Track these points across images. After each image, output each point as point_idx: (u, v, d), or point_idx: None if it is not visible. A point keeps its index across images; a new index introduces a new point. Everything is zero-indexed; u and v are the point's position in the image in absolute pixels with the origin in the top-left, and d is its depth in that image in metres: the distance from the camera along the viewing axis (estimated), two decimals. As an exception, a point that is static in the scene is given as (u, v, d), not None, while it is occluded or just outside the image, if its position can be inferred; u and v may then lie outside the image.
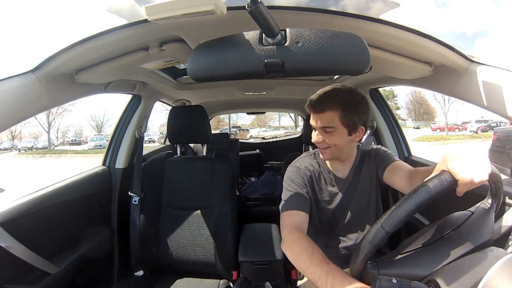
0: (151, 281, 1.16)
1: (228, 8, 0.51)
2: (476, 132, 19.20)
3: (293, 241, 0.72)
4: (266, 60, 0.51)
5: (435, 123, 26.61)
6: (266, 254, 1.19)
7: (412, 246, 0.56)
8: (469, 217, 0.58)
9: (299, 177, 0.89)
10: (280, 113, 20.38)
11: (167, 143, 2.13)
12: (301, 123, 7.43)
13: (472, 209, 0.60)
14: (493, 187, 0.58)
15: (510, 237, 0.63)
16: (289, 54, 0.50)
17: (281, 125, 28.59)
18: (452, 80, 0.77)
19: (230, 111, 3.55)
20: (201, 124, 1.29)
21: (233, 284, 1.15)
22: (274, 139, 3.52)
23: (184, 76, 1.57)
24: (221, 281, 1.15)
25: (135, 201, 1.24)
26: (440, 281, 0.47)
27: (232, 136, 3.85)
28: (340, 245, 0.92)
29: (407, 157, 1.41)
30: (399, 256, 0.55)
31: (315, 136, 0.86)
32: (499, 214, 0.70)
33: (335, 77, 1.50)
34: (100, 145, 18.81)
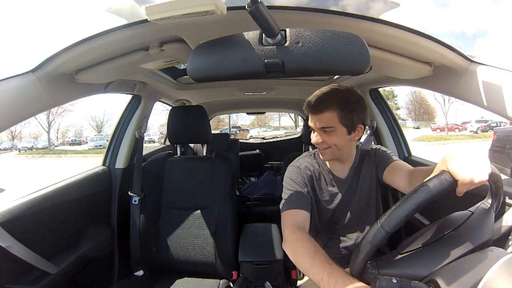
0: (151, 281, 1.16)
1: (228, 8, 0.51)
2: (476, 132, 19.20)
3: (295, 241, 0.71)
4: (266, 60, 0.51)
5: (435, 123, 26.63)
6: (266, 254, 1.19)
7: (412, 246, 0.56)
8: (469, 217, 0.58)
9: (299, 177, 0.89)
10: (280, 113, 20.38)
11: (167, 143, 2.13)
12: (301, 123, 7.43)
13: (472, 209, 0.60)
14: (493, 187, 0.58)
15: (510, 237, 0.63)
16: (289, 54, 0.50)
17: (281, 125, 28.60)
18: (452, 80, 0.77)
19: (230, 111, 3.55)
20: (201, 124, 1.29)
21: (233, 284, 1.15)
22: (274, 139, 3.52)
23: (184, 76, 1.57)
24: (221, 281, 1.15)
25: (135, 201, 1.24)
26: (440, 281, 0.47)
27: (232, 136, 3.86)
28: (340, 245, 0.92)
29: (407, 157, 1.41)
30: (399, 256, 0.55)
31: (314, 137, 0.86)
32: (499, 214, 0.70)
33: (335, 77, 1.50)
34: (100, 145, 18.81)
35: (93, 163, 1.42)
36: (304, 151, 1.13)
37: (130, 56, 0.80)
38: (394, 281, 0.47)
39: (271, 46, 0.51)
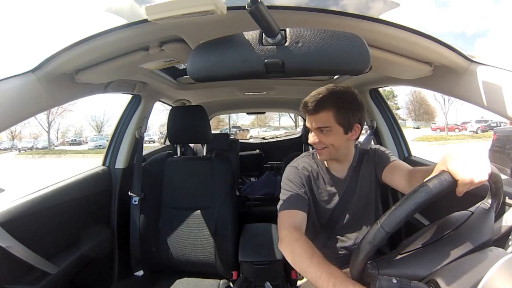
0: (151, 281, 1.16)
1: (228, 8, 0.51)
2: (476, 132, 19.21)
3: (292, 241, 0.71)
4: (266, 60, 0.51)
5: (435, 123, 26.62)
6: (266, 254, 1.19)
7: (412, 246, 0.56)
8: (469, 217, 0.58)
9: (297, 177, 0.89)
10: (280, 113, 20.39)
11: (167, 143, 2.13)
12: (301, 123, 7.43)
13: (472, 209, 0.60)
14: (493, 187, 0.58)
15: (510, 237, 0.63)
16: (289, 54, 0.50)
17: (281, 125, 28.61)
18: (452, 80, 0.77)
19: (230, 111, 3.56)
20: (201, 124, 1.29)
21: (233, 284, 1.15)
22: (274, 139, 3.52)
23: (184, 76, 1.57)
24: (221, 281, 1.15)
25: (135, 201, 1.24)
26: (440, 281, 0.47)
27: (232, 136, 3.86)
28: (340, 245, 0.92)
29: (407, 157, 1.41)
30: (399, 256, 0.55)
31: (311, 138, 0.86)
32: (499, 214, 0.70)
33: (335, 77, 1.50)
34: (100, 145, 18.81)
35: (93, 163, 1.42)
36: (304, 151, 1.13)
37: (130, 56, 0.80)
38: (394, 281, 0.47)
39: (271, 46, 0.51)
